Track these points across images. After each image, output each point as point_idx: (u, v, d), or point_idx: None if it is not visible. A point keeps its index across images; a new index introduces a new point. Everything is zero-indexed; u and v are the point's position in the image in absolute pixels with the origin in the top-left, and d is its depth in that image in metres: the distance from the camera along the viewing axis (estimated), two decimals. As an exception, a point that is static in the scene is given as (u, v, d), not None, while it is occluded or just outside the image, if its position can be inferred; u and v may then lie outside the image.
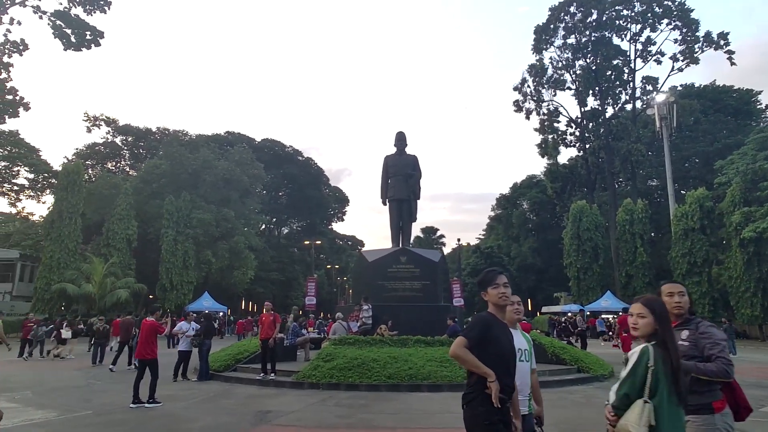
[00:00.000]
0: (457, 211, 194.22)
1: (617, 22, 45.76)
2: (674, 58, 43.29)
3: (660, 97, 37.59)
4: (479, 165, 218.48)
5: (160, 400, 8.76)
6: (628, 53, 46.69)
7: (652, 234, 41.83)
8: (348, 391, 10.13)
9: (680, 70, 43.17)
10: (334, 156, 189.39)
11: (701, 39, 42.24)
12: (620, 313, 30.07)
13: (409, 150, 17.80)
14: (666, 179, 44.22)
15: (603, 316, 35.72)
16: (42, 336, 18.82)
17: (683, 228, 33.93)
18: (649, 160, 43.97)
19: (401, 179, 17.03)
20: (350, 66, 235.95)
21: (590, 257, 40.27)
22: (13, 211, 45.50)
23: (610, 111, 48.03)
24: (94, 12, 45.26)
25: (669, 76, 45.02)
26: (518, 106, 52.37)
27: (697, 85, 50.64)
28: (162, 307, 10.85)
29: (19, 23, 42.24)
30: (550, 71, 50.53)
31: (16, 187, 42.66)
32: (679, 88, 46.47)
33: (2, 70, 42.92)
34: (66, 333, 18.62)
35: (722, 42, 41.47)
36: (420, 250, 17.36)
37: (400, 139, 17.62)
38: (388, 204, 17.39)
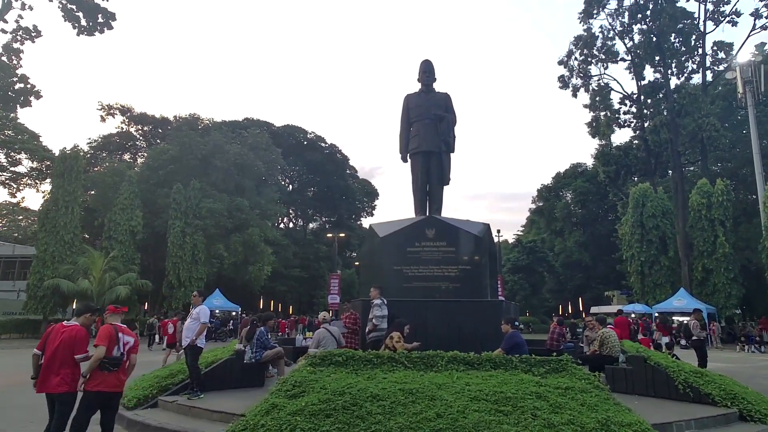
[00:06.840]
0: (494, 210, 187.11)
1: (683, -23, 39.37)
2: (756, 15, 36.47)
3: (743, 57, 31.32)
4: (517, 162, 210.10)
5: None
6: (695, 15, 40.24)
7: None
8: (319, 465, 5.24)
9: (764, 27, 36.29)
10: (366, 153, 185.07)
11: (791, -11, 35.37)
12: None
13: (439, 89, 12.61)
14: (742, 159, 37.73)
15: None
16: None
17: (780, 212, 27.63)
18: (724, 136, 37.38)
19: (428, 124, 11.86)
20: (383, 60, 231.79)
21: (657, 249, 34.05)
22: (13, 201, 42.78)
23: (673, 84, 41.60)
24: (109, -4, 42.28)
25: (748, 37, 38.25)
26: (564, 82, 46.84)
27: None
28: (93, 307, 5.44)
29: (31, 8, 39.75)
30: (599, 42, 44.84)
31: (14, 176, 39.76)
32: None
33: (12, 57, 40.43)
34: None
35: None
36: (455, 220, 11.20)
37: (426, 71, 12.44)
38: (410, 160, 12.33)
